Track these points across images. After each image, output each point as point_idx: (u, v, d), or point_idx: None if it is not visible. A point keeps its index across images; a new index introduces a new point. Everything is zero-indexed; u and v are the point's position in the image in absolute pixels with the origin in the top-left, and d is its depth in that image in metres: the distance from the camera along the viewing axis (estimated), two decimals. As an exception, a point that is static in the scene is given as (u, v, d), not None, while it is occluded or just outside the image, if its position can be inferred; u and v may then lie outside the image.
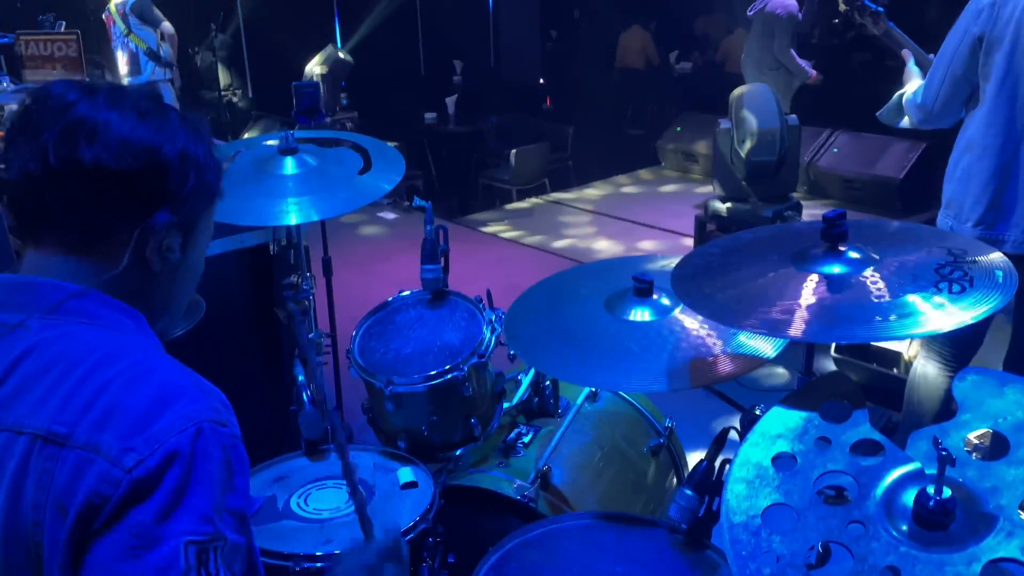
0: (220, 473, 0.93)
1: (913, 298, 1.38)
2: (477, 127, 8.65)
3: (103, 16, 7.47)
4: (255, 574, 1.02)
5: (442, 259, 2.31)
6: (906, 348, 3.47)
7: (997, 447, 1.22)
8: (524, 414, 2.34)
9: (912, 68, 2.89)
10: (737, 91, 5.26)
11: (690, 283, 1.59)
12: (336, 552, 1.71)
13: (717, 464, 1.59)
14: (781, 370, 4.01)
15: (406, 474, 1.97)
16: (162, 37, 7.35)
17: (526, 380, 2.35)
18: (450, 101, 8.67)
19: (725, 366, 1.69)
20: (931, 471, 1.18)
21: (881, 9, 2.94)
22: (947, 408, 2.74)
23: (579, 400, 2.38)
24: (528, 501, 1.99)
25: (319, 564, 1.70)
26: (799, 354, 1.66)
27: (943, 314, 1.35)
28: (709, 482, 1.58)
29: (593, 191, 8.13)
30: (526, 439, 2.22)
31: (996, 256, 1.49)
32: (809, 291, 1.46)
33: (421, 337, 2.24)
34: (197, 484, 0.91)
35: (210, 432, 0.93)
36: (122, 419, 0.90)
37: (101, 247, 1.02)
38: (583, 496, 2.13)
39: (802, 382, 1.61)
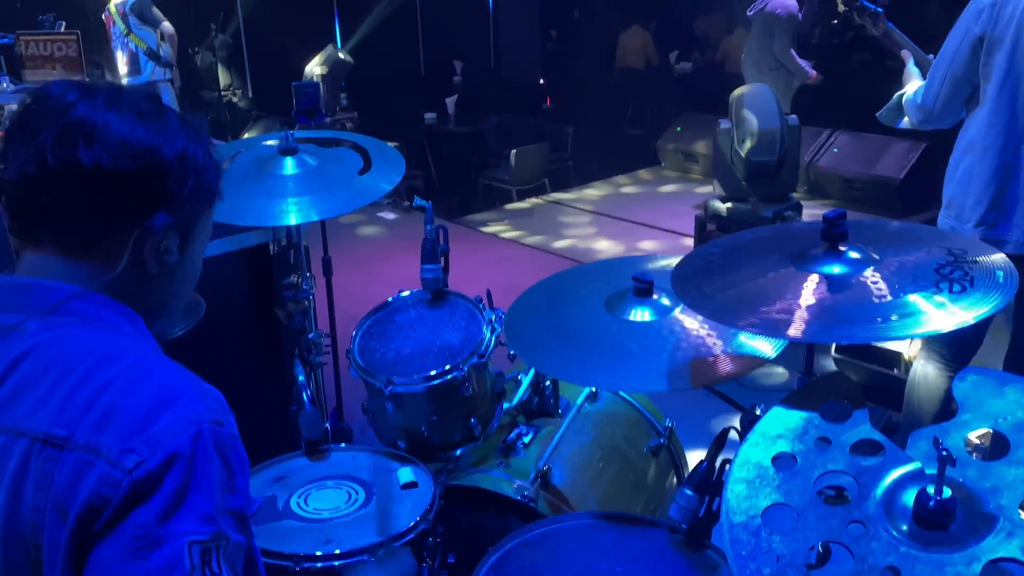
0: (220, 474, 0.93)
1: (914, 298, 1.38)
2: (477, 127, 8.65)
3: (103, 16, 7.47)
4: (255, 574, 1.02)
5: (442, 259, 2.31)
6: (906, 348, 3.47)
7: (997, 447, 1.22)
8: (524, 414, 2.34)
9: (911, 69, 2.89)
10: (737, 91, 5.26)
11: (690, 283, 1.59)
12: (336, 552, 1.71)
13: (717, 464, 1.59)
14: (781, 370, 4.01)
15: (406, 474, 1.97)
16: (162, 37, 7.35)
17: (526, 380, 2.35)
18: (450, 101, 8.67)
19: (725, 366, 1.69)
20: (931, 471, 1.18)
21: (880, 10, 2.94)
22: (947, 408, 2.74)
23: (579, 400, 2.38)
24: (528, 501, 1.99)
25: (319, 564, 1.70)
26: (799, 354, 1.66)
27: (944, 314, 1.35)
28: (709, 482, 1.58)
29: (593, 191, 8.13)
30: (526, 439, 2.22)
31: (997, 256, 1.49)
32: (809, 291, 1.46)
33: (421, 337, 2.24)
34: (198, 485, 0.91)
35: (209, 433, 0.93)
36: (121, 420, 0.90)
37: (99, 249, 1.02)
38: (583, 496, 2.13)
39: (802, 382, 1.61)
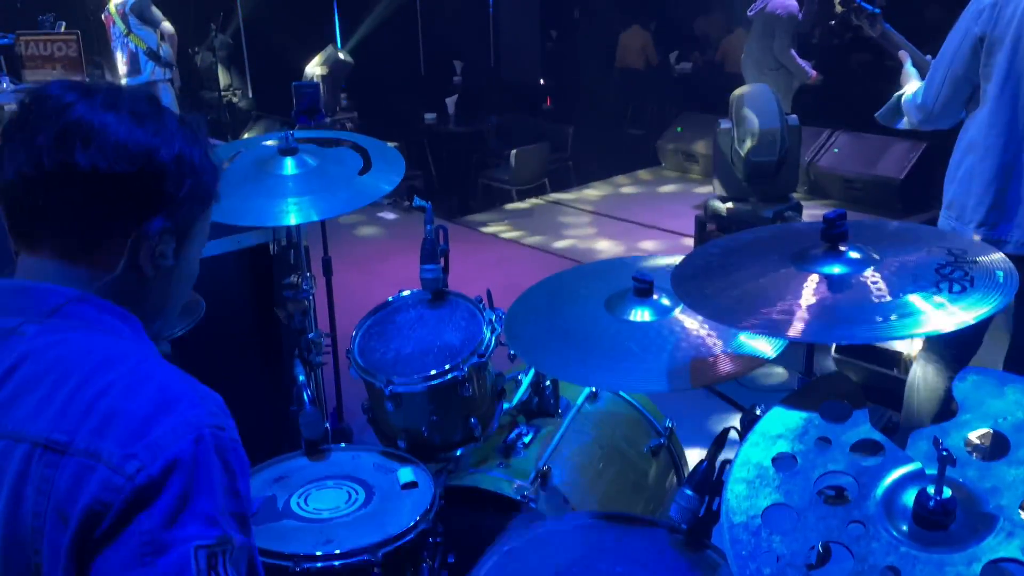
0: (222, 477, 0.93)
1: (914, 298, 1.38)
2: (477, 127, 8.65)
3: (102, 16, 7.47)
4: (255, 574, 1.02)
5: (442, 259, 2.31)
6: (906, 348, 3.47)
7: (997, 447, 1.22)
8: (524, 414, 2.34)
9: (909, 69, 2.89)
10: (738, 91, 5.26)
11: (690, 283, 1.59)
12: (336, 552, 1.72)
13: (717, 464, 1.59)
14: (781, 370, 4.01)
15: (406, 474, 1.97)
16: (162, 37, 7.36)
17: (526, 380, 2.35)
18: (450, 101, 8.66)
19: (725, 366, 1.69)
20: (931, 471, 1.18)
21: (878, 11, 2.94)
22: (947, 408, 2.74)
23: (579, 400, 2.38)
24: (528, 501, 1.99)
25: (319, 564, 1.70)
26: (799, 354, 1.66)
27: (944, 314, 1.35)
28: (709, 482, 1.58)
29: (593, 191, 8.13)
30: (526, 439, 2.21)
31: (997, 256, 1.49)
32: (809, 291, 1.46)
33: (421, 337, 2.24)
34: (200, 489, 0.90)
35: (210, 437, 0.93)
36: (122, 425, 0.90)
37: (96, 252, 1.01)
38: (583, 496, 2.13)
39: (802, 382, 1.61)
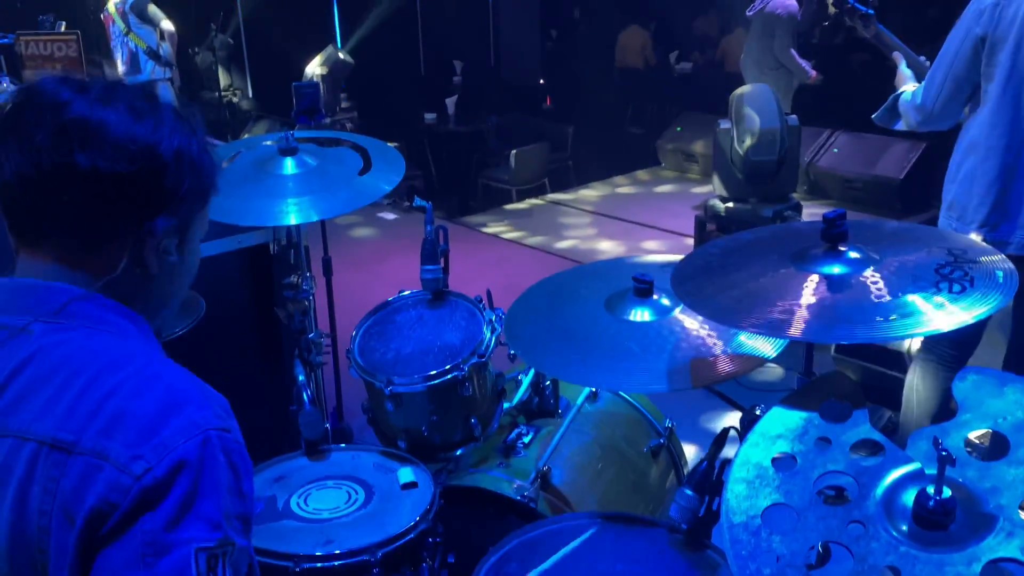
0: (227, 480, 0.93)
1: (913, 298, 1.38)
2: (477, 127, 8.64)
3: (102, 16, 7.46)
4: (252, 574, 1.02)
5: (442, 259, 2.31)
6: (907, 348, 3.47)
7: (997, 447, 1.22)
8: (524, 414, 2.34)
9: (904, 70, 2.88)
10: (737, 91, 5.26)
11: (690, 283, 1.59)
12: (336, 552, 1.72)
13: (717, 464, 1.59)
14: (780, 369, 4.01)
15: (406, 474, 1.97)
16: (162, 36, 7.35)
17: (526, 380, 2.35)
18: (450, 101, 8.66)
19: (725, 366, 1.69)
20: (931, 471, 1.18)
21: (871, 12, 2.93)
22: (947, 408, 2.74)
23: (579, 400, 2.38)
24: (528, 501, 1.99)
25: (319, 564, 1.70)
26: (799, 354, 1.66)
27: (944, 314, 1.35)
28: (709, 482, 1.58)
29: (593, 191, 8.13)
30: (526, 439, 2.22)
31: (996, 256, 1.49)
32: (809, 291, 1.46)
33: (421, 337, 2.24)
34: (205, 491, 0.90)
35: (217, 440, 0.93)
36: (129, 426, 0.90)
37: (98, 252, 1.01)
38: (583, 496, 2.13)
39: (802, 382, 1.61)
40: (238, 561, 0.93)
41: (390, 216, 7.16)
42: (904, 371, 3.07)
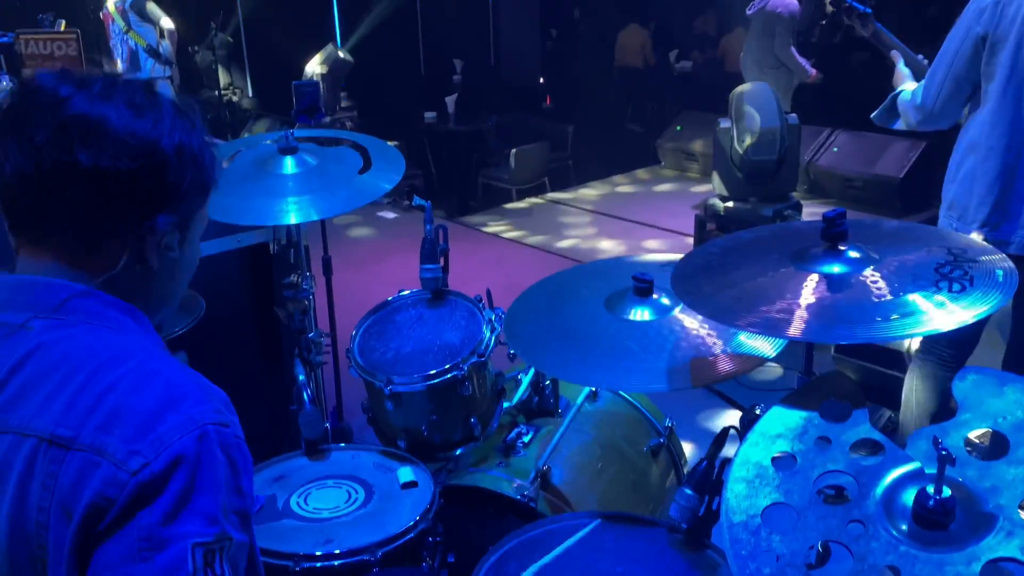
0: (225, 475, 0.93)
1: (913, 297, 1.38)
2: (477, 126, 8.64)
3: (101, 14, 7.46)
4: (255, 572, 1.02)
5: (442, 258, 2.31)
6: (906, 347, 3.47)
7: (997, 447, 1.22)
8: (524, 414, 2.34)
9: (902, 69, 2.88)
10: (737, 90, 5.26)
11: (690, 282, 1.59)
12: (336, 552, 1.72)
13: (717, 463, 1.59)
14: (780, 368, 4.00)
15: (406, 474, 1.97)
16: (162, 34, 7.35)
17: (526, 380, 2.35)
18: (450, 100, 8.66)
19: (725, 366, 1.69)
20: (931, 471, 1.18)
21: (869, 11, 2.93)
22: (946, 408, 2.74)
23: (579, 400, 2.38)
24: (528, 501, 1.99)
25: (319, 564, 1.70)
26: (799, 354, 1.66)
27: (944, 313, 1.35)
28: (709, 481, 1.58)
29: (593, 190, 8.13)
30: (526, 439, 2.22)
31: (996, 255, 1.49)
32: (809, 291, 1.46)
33: (421, 336, 2.24)
34: (203, 486, 0.90)
35: (214, 434, 0.93)
36: (127, 421, 0.90)
37: (100, 248, 1.00)
38: (583, 496, 2.13)
39: (802, 382, 1.61)
40: (236, 556, 0.93)
41: (390, 215, 7.16)
42: (904, 371, 3.07)
